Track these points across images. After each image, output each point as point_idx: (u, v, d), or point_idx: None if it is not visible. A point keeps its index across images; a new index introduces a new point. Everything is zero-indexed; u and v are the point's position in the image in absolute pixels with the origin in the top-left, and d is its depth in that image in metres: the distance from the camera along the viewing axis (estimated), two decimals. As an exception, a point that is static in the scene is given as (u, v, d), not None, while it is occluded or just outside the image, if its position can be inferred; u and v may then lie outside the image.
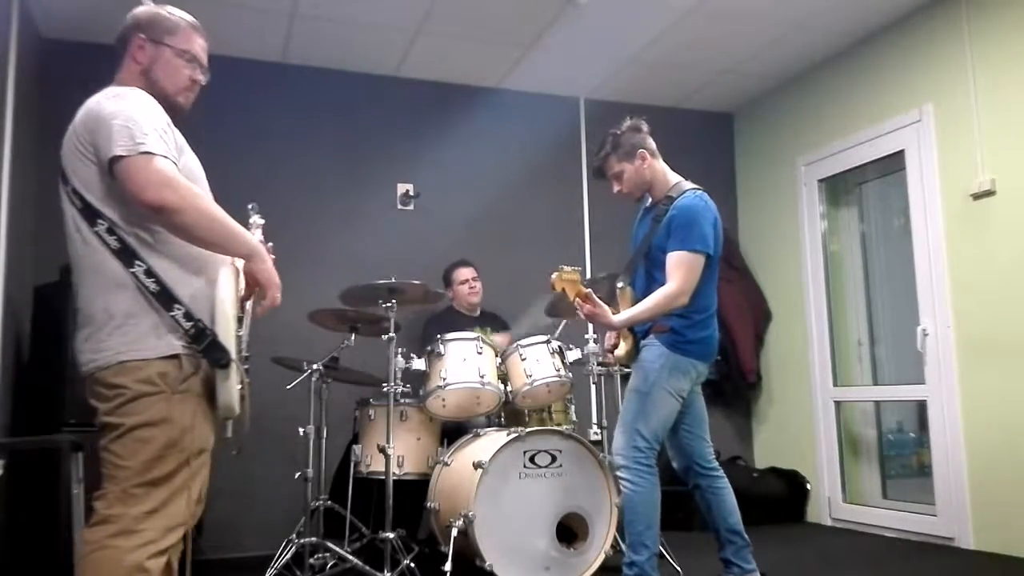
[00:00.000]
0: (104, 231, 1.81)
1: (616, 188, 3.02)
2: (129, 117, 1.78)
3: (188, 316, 1.81)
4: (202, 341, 1.80)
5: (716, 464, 3.00)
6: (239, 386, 1.84)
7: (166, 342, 1.80)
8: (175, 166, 1.80)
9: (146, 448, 1.77)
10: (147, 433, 1.77)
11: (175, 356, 1.81)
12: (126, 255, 1.80)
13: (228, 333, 1.81)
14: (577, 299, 2.79)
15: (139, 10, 2.01)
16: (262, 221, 2.22)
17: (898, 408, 4.75)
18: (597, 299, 2.80)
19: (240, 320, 1.90)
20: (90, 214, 1.82)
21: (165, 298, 1.80)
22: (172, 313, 1.80)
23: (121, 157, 1.74)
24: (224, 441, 1.92)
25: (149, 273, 1.80)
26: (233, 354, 1.81)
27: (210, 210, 1.81)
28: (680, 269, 2.77)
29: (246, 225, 2.19)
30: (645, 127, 3.00)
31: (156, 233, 1.83)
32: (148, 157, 1.74)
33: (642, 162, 2.95)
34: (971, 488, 3.92)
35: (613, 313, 2.87)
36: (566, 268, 2.79)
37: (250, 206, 2.22)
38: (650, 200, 3.04)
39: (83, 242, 1.84)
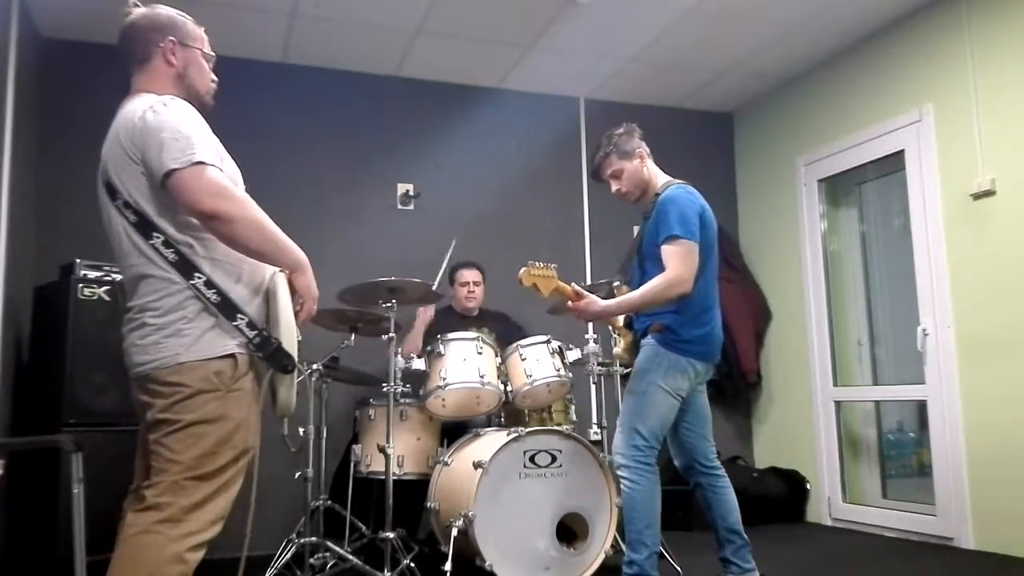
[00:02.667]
0: (160, 244, 1.84)
1: (615, 187, 3.05)
2: (177, 129, 1.81)
3: (252, 325, 1.85)
4: (268, 348, 1.85)
5: (718, 463, 3.01)
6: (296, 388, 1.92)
7: (223, 342, 1.85)
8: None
9: (200, 443, 1.81)
10: (202, 429, 1.82)
11: (231, 355, 1.85)
12: (185, 267, 1.84)
13: (292, 339, 1.88)
14: (558, 294, 2.82)
15: (154, 12, 2.01)
16: None
17: (898, 408, 4.74)
18: (581, 289, 2.84)
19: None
20: (145, 227, 1.84)
21: (228, 308, 1.84)
22: (235, 323, 1.84)
23: (175, 170, 1.76)
24: (281, 439, 1.98)
25: (209, 284, 1.83)
26: (296, 359, 1.88)
27: (261, 220, 1.85)
28: (673, 257, 2.78)
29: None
30: (639, 131, 3.07)
31: (207, 243, 1.86)
32: (201, 167, 1.78)
33: (640, 161, 3.01)
34: (971, 488, 3.92)
35: None
36: (537, 264, 2.83)
37: None
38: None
39: (139, 254, 1.86)
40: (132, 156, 1.83)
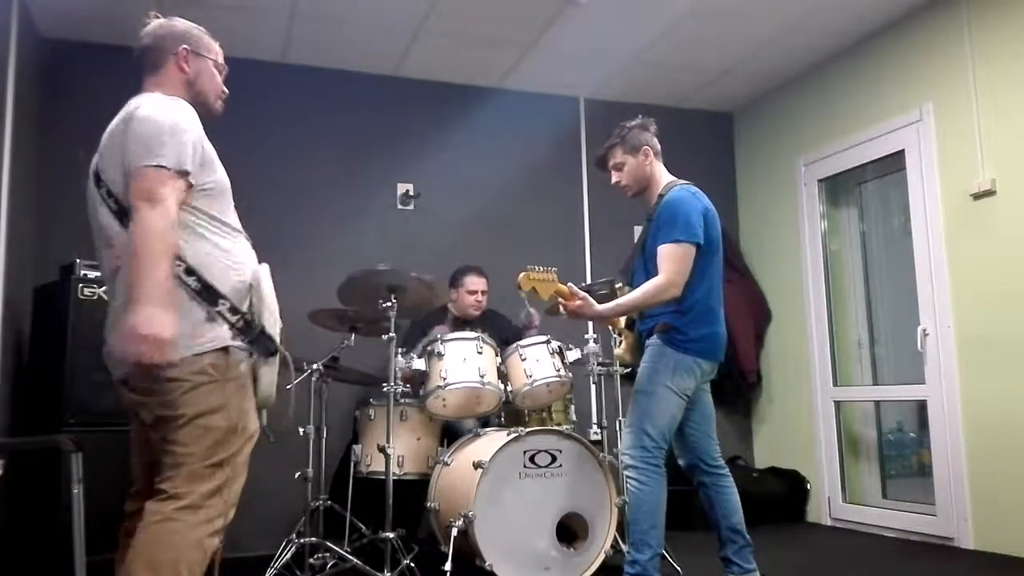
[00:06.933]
0: None
1: (615, 179, 3.06)
2: (165, 130, 1.85)
3: (234, 310, 1.89)
4: (251, 332, 1.90)
5: (722, 463, 3.00)
6: (278, 376, 1.97)
7: (216, 335, 1.87)
8: (186, 182, 1.85)
9: (210, 434, 1.85)
10: (208, 421, 1.85)
11: (224, 348, 1.88)
12: None
13: (275, 324, 1.94)
14: (558, 297, 2.83)
15: (171, 23, 2.10)
16: None
17: (898, 408, 4.74)
18: (579, 291, 2.85)
19: None
20: (124, 216, 1.87)
21: (209, 294, 1.87)
22: (218, 308, 1.87)
23: (139, 167, 1.81)
24: (260, 430, 2.01)
25: (189, 271, 1.85)
26: (279, 344, 1.94)
27: (161, 242, 1.76)
28: (667, 261, 2.79)
29: None
30: (653, 127, 3.06)
31: (190, 230, 1.88)
32: (159, 171, 1.81)
33: (645, 158, 3.00)
34: (971, 488, 3.92)
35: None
36: (536, 268, 2.83)
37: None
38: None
39: (120, 244, 1.88)
40: (123, 146, 1.87)
